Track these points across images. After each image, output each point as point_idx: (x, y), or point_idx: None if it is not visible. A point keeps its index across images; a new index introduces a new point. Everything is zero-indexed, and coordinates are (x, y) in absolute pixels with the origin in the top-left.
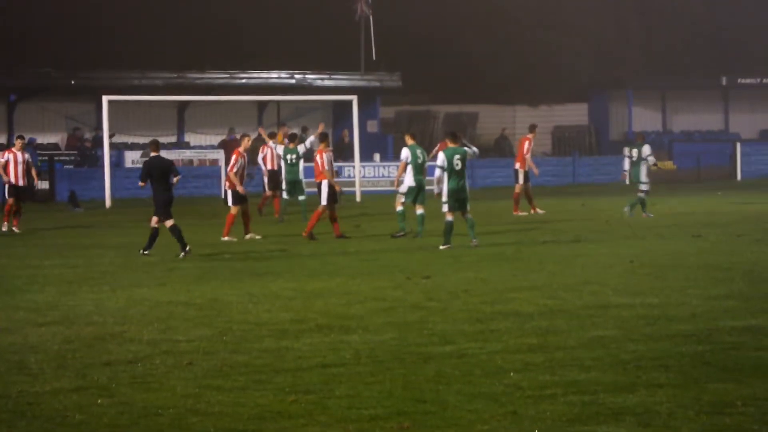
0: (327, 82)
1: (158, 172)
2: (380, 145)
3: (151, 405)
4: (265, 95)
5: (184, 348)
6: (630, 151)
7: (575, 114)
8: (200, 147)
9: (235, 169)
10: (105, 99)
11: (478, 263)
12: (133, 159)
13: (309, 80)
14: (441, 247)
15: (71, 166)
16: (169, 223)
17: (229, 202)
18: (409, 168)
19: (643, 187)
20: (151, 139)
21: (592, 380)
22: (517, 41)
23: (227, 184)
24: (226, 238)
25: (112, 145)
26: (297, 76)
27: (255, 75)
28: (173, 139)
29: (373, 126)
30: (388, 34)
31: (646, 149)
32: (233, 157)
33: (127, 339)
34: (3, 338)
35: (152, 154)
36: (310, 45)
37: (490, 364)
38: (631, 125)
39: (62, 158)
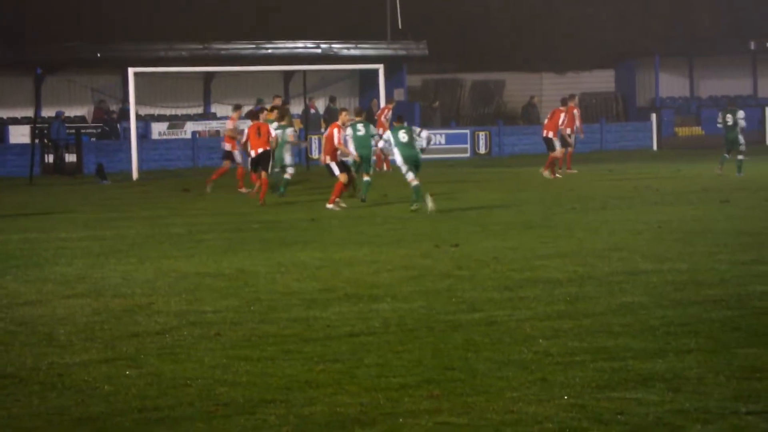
0: (353, 52)
1: None
2: (407, 114)
3: (180, 376)
4: (291, 65)
5: (211, 319)
6: (724, 116)
7: (602, 81)
8: (227, 118)
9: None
10: (131, 71)
11: (506, 231)
12: (159, 131)
13: (335, 50)
14: (412, 208)
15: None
16: None
17: (336, 172)
18: (351, 141)
19: (742, 148)
20: None
21: (621, 346)
22: (543, 9)
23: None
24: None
25: (138, 117)
26: (323, 45)
27: (281, 45)
28: (200, 110)
29: (400, 95)
30: (414, 2)
31: (741, 113)
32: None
33: (154, 311)
34: (32, 311)
35: None
36: (336, 14)
37: (518, 331)
38: (658, 91)
39: (89, 131)
